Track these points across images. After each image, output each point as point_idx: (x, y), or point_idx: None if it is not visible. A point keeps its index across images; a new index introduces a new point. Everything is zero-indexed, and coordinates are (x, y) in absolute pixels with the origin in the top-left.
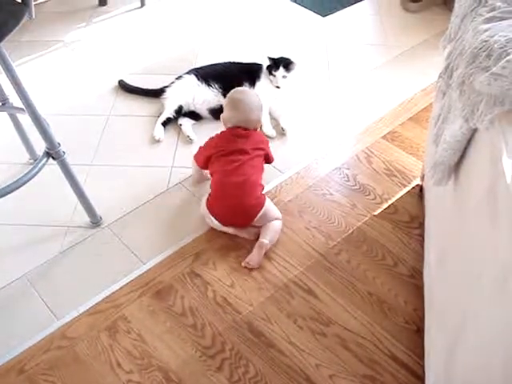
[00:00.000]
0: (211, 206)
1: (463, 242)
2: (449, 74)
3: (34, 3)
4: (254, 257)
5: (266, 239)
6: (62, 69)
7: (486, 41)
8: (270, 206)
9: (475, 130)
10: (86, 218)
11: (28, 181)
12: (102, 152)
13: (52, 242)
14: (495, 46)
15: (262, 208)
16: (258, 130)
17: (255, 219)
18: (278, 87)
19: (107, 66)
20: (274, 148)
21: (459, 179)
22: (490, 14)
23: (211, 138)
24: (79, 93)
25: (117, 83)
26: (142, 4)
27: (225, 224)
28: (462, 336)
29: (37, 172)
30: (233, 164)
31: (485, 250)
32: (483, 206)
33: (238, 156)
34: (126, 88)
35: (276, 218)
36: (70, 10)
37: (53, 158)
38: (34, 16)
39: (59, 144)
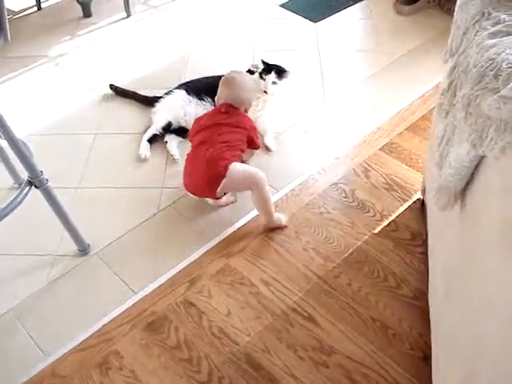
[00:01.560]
0: (184, 182)
1: (472, 274)
2: (452, 92)
3: (16, 16)
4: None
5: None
6: (47, 85)
7: (492, 59)
8: (235, 174)
9: (484, 156)
10: (74, 246)
11: (10, 212)
12: (89, 173)
13: (39, 272)
14: (503, 64)
15: (221, 178)
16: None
17: (219, 189)
18: (265, 92)
19: (93, 80)
20: (266, 164)
21: (466, 204)
22: (495, 28)
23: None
24: (65, 110)
25: (102, 97)
26: (128, 14)
27: (200, 197)
28: (478, 370)
29: (19, 202)
30: (204, 138)
31: (496, 285)
32: (495, 238)
33: (212, 130)
34: (117, 91)
35: (250, 183)
36: (54, 22)
37: (35, 186)
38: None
39: (42, 172)
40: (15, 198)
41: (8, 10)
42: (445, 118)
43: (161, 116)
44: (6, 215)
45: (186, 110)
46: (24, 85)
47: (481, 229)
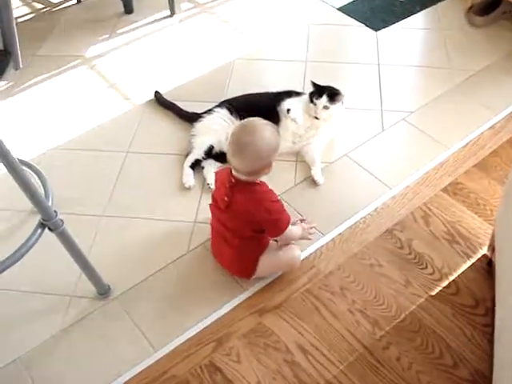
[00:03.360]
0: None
1: None
2: None
3: (55, 9)
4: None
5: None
6: (79, 91)
7: None
8: (263, 271)
9: None
10: (93, 288)
11: (20, 258)
12: (116, 200)
13: (53, 314)
14: None
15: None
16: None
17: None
18: (316, 118)
19: (129, 88)
20: (311, 201)
21: None
22: None
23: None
24: (96, 122)
25: (138, 109)
26: (172, 12)
27: None
28: None
29: (31, 246)
30: (215, 215)
31: None
32: None
33: (219, 208)
34: (160, 102)
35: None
36: (93, 17)
37: (49, 229)
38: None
39: (56, 213)
40: (27, 242)
41: (47, 1)
42: None
43: (202, 139)
44: (16, 261)
45: (229, 132)
46: (54, 89)
47: None
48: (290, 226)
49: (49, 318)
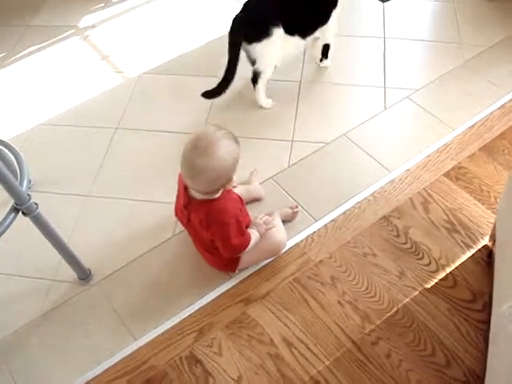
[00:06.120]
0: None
1: None
2: None
3: None
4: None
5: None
6: (71, 63)
7: None
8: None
9: None
10: (73, 272)
11: None
12: (101, 179)
13: (32, 299)
14: None
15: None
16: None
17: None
18: None
19: (123, 60)
20: (304, 183)
21: None
22: None
23: None
24: (86, 95)
25: (130, 83)
26: None
27: None
28: None
29: (4, 230)
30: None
31: None
32: None
33: (185, 214)
34: (212, 95)
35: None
36: None
37: (23, 213)
38: None
39: (29, 196)
40: None
41: None
42: None
43: (272, 64)
44: None
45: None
46: (45, 61)
47: None
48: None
49: (28, 302)
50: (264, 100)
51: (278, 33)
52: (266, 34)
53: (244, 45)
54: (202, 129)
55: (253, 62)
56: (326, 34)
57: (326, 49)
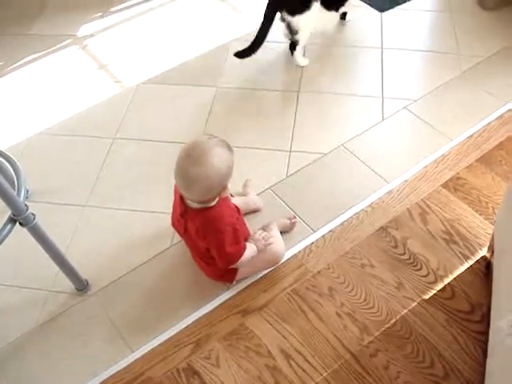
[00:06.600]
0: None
1: None
2: None
3: None
4: None
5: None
6: (69, 72)
7: None
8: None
9: None
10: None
11: None
12: (99, 189)
13: (29, 309)
14: None
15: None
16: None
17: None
18: None
19: (121, 70)
20: (301, 195)
21: None
22: None
23: None
24: (84, 104)
25: (129, 92)
26: None
27: None
28: None
29: (2, 240)
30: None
31: None
32: None
33: (181, 223)
34: (244, 55)
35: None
36: None
37: (20, 224)
38: None
39: (27, 207)
40: None
41: None
42: None
43: (308, 30)
44: None
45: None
46: (44, 71)
47: None
48: (246, 251)
49: (25, 312)
50: (302, 60)
51: (316, 5)
52: (307, 7)
53: (286, 17)
54: (195, 138)
55: (292, 32)
56: (349, 5)
57: (344, 15)
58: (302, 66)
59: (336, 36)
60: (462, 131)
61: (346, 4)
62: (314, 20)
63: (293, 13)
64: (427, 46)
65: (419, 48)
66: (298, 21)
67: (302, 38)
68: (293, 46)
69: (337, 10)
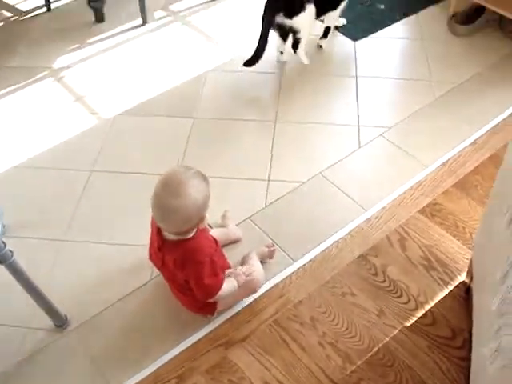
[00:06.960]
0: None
1: None
2: None
3: (24, 17)
4: None
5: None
6: (44, 105)
7: None
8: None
9: None
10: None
11: None
12: (76, 223)
13: (6, 347)
14: None
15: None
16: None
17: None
18: None
19: (97, 102)
20: (280, 224)
21: None
22: None
23: None
24: (60, 137)
25: (105, 125)
26: (144, 21)
27: None
28: None
29: None
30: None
31: None
32: None
33: (159, 256)
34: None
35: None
36: (63, 26)
37: None
38: None
39: (4, 244)
40: None
41: (16, 9)
42: None
43: (308, 31)
44: None
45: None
46: (19, 103)
47: None
48: (224, 285)
49: (3, 350)
50: (305, 58)
51: (310, 7)
52: (303, 8)
53: (284, 20)
54: (171, 168)
55: (293, 33)
56: (330, 18)
57: (326, 31)
58: (306, 64)
59: (311, 64)
60: (437, 157)
61: (328, 14)
62: (311, 18)
63: (290, 15)
64: (400, 74)
65: (392, 76)
66: (296, 22)
67: (304, 35)
68: (295, 44)
69: (318, 15)
